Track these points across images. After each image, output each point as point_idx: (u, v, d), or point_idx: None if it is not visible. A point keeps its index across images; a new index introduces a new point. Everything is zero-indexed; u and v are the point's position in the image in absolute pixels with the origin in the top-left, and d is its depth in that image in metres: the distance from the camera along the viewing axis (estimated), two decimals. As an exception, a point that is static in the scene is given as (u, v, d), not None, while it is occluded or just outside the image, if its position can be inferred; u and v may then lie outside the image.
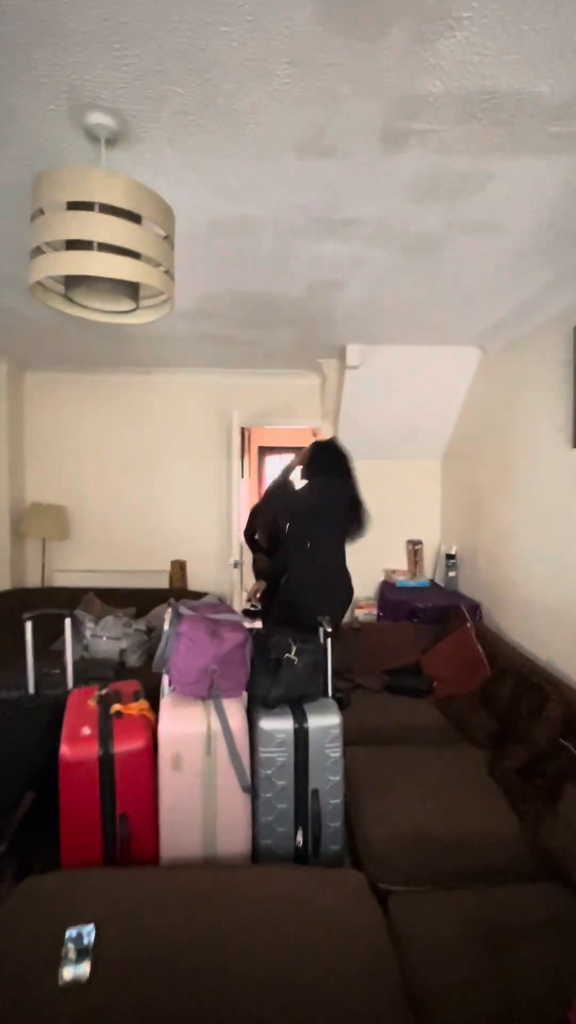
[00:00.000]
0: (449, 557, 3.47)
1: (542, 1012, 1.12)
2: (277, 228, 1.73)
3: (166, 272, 1.32)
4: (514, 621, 2.68)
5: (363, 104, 1.18)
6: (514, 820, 1.70)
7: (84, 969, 1.14)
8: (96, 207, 1.15)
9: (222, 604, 2.07)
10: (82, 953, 1.18)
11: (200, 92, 1.15)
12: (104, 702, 1.75)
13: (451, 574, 3.44)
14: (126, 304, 1.39)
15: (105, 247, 1.18)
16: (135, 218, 1.22)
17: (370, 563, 3.80)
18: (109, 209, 1.16)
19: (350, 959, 1.21)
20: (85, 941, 1.20)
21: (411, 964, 1.23)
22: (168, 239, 1.30)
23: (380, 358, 3.10)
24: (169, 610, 1.83)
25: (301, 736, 1.66)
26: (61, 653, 2.15)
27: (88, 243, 1.18)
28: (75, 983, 1.11)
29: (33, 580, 3.80)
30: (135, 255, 1.22)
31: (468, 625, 2.66)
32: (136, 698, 1.81)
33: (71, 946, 1.19)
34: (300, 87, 1.14)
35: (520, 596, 2.63)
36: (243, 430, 4.96)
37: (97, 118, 1.22)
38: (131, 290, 1.35)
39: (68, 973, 1.13)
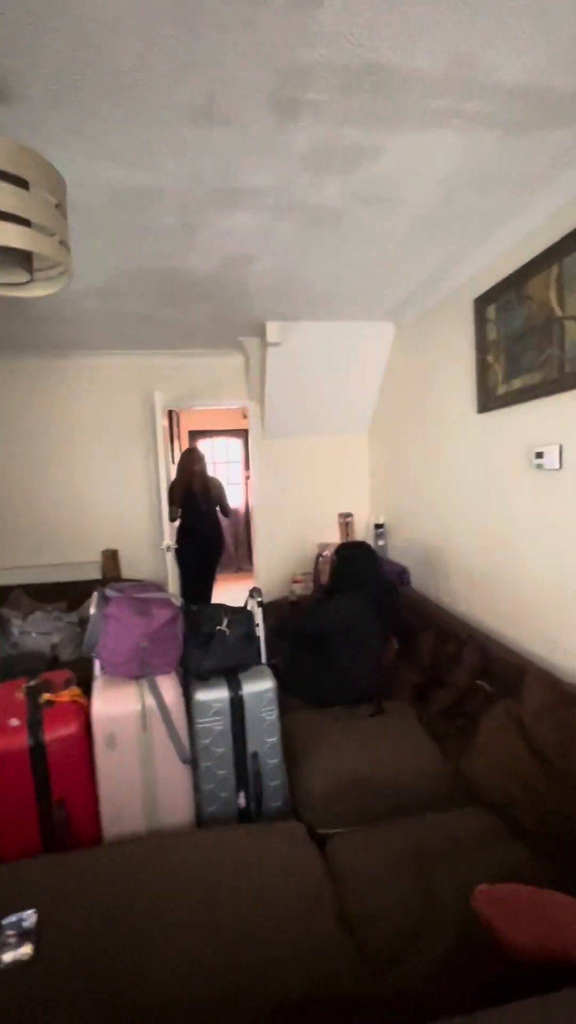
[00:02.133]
0: (378, 527, 3.62)
1: (462, 917, 1.24)
2: (179, 200, 1.71)
3: (61, 242, 1.27)
4: (438, 581, 2.86)
5: (251, 72, 1.19)
6: (440, 757, 1.84)
7: (26, 950, 1.14)
8: (-25, 170, 1.09)
9: (151, 585, 2.06)
10: (23, 936, 1.17)
11: (78, 48, 1.11)
12: (33, 693, 1.71)
13: (380, 543, 3.59)
14: (19, 275, 1.32)
15: (-11, 213, 1.12)
16: (21, 184, 1.17)
17: (304, 537, 3.90)
18: (-9, 173, 1.10)
19: (291, 900, 1.29)
20: (25, 925, 1.20)
21: (347, 895, 1.32)
22: (60, 207, 1.25)
23: (300, 335, 3.14)
24: (95, 594, 1.81)
25: (237, 704, 1.71)
26: (-15, 651, 2.07)
27: (-30, 209, 1.11)
28: (16, 964, 1.11)
29: (-47, 582, 3.57)
30: (25, 222, 1.17)
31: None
32: (67, 686, 1.78)
33: (10, 932, 1.18)
34: (186, 50, 1.12)
35: (441, 557, 2.80)
36: (171, 413, 4.87)
37: (-31, 73, 1.15)
38: (24, 260, 1.29)
39: (8, 956, 1.12)
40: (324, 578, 2.48)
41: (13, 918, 1.21)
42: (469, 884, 1.33)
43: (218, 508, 4.11)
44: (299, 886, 1.33)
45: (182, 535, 3.88)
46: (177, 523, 3.89)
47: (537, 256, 1.85)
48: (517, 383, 2.02)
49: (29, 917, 1.21)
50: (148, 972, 1.11)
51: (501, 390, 2.13)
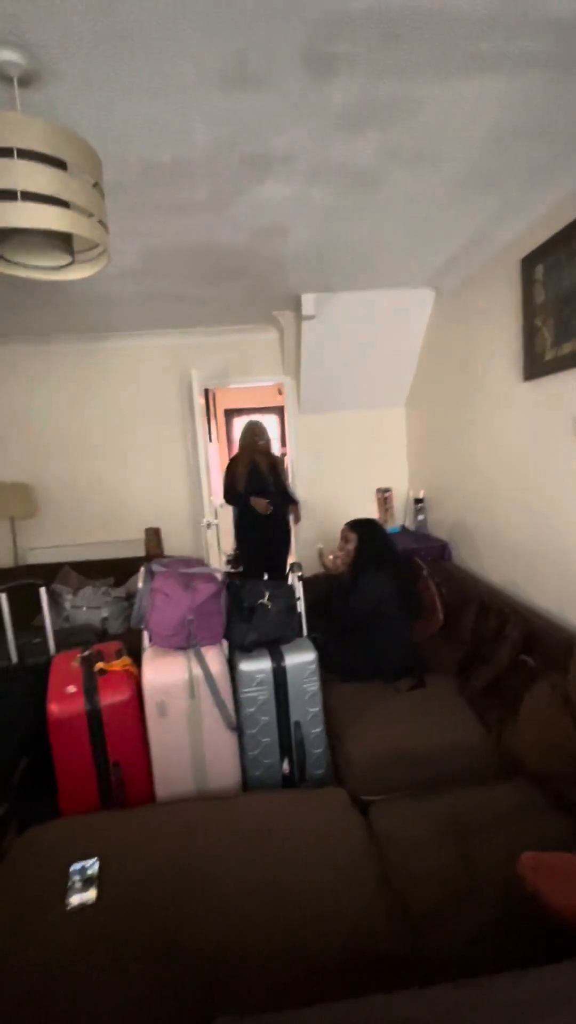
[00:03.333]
0: (417, 501, 3.57)
1: (504, 884, 1.26)
2: (211, 171, 1.68)
3: (100, 222, 1.28)
4: (480, 555, 2.80)
5: (283, 25, 1.14)
6: (481, 730, 1.84)
7: (91, 894, 1.24)
8: (15, 153, 1.11)
9: (195, 560, 2.11)
10: (87, 882, 1.27)
11: (106, 18, 1.09)
12: (87, 662, 1.81)
13: (420, 518, 3.54)
14: (60, 258, 1.35)
15: (30, 196, 1.14)
16: (60, 165, 1.18)
17: (343, 515, 3.87)
18: (30, 155, 1.12)
19: (335, 860, 1.33)
20: (89, 871, 1.29)
21: (390, 859, 1.36)
22: (97, 186, 1.26)
23: (336, 306, 3.07)
24: (142, 570, 1.87)
25: (279, 674, 1.75)
26: (42, 626, 2.19)
27: (11, 193, 1.13)
28: (82, 907, 1.20)
29: (5, 561, 3.77)
30: (64, 204, 1.19)
31: (424, 573, 2.76)
32: (119, 656, 1.87)
33: (76, 877, 1.28)
34: (215, 9, 1.09)
35: (483, 531, 2.74)
36: (207, 392, 4.91)
37: (5, 55, 1.15)
38: (64, 243, 1.32)
39: (76, 899, 1.22)
40: (343, 559, 2.37)
41: (78, 865, 1.31)
42: (510, 853, 1.34)
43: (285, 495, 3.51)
44: (342, 849, 1.37)
45: (245, 525, 3.41)
46: (236, 509, 3.42)
47: (590, 209, 1.73)
48: (567, 347, 1.92)
49: (92, 865, 1.31)
50: (199, 921, 1.18)
51: (549, 355, 2.03)
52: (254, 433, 3.46)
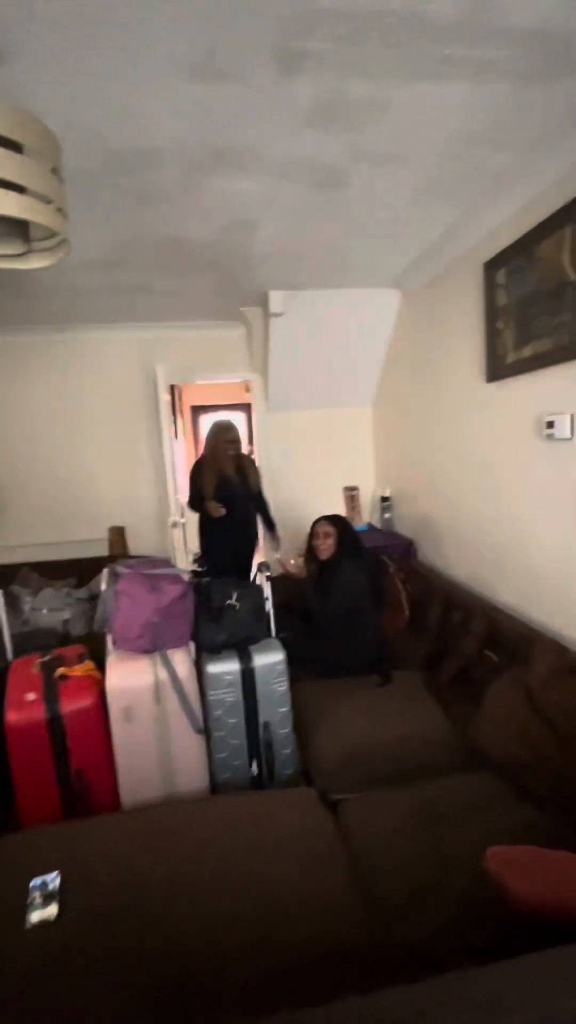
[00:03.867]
0: (384, 500, 3.61)
1: (470, 875, 1.28)
2: (179, 162, 1.64)
3: (58, 210, 1.23)
4: (445, 553, 2.86)
5: (253, 18, 1.12)
6: (447, 724, 1.87)
7: (51, 911, 1.19)
8: (-33, 134, 1.05)
9: (161, 561, 2.07)
10: (48, 897, 1.22)
11: (74, 4, 1.05)
12: (47, 668, 1.74)
13: (386, 515, 3.59)
14: (15, 246, 1.29)
15: (-17, 180, 1.08)
16: (15, 148, 1.12)
17: (310, 512, 3.88)
18: (-17, 137, 1.06)
19: (303, 860, 1.33)
20: (50, 887, 1.25)
21: (357, 855, 1.36)
22: (56, 172, 1.20)
23: (303, 304, 3.06)
24: (105, 571, 1.82)
25: (248, 676, 1.74)
26: (-2, 628, 2.10)
27: (-37, 176, 1.07)
28: (43, 923, 1.16)
29: (-39, 561, 3.60)
30: (19, 189, 1.13)
31: (391, 570, 2.80)
32: (81, 660, 1.81)
33: (36, 893, 1.23)
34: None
35: (448, 528, 2.80)
36: (173, 388, 4.82)
37: (-43, 29, 1.09)
38: (20, 230, 1.25)
39: (35, 916, 1.17)
40: (324, 552, 2.40)
41: (38, 880, 1.26)
42: (477, 844, 1.37)
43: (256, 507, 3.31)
44: (311, 848, 1.37)
45: (212, 532, 3.23)
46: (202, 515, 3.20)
47: (550, 217, 1.78)
48: (527, 351, 1.97)
49: (53, 879, 1.26)
50: (167, 929, 1.15)
51: (511, 358, 2.08)
52: (222, 432, 3.23)
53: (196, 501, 3.20)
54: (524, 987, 0.75)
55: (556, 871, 0.92)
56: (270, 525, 3.34)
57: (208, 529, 3.26)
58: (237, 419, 6.64)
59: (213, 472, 3.15)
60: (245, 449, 3.65)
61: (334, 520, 2.46)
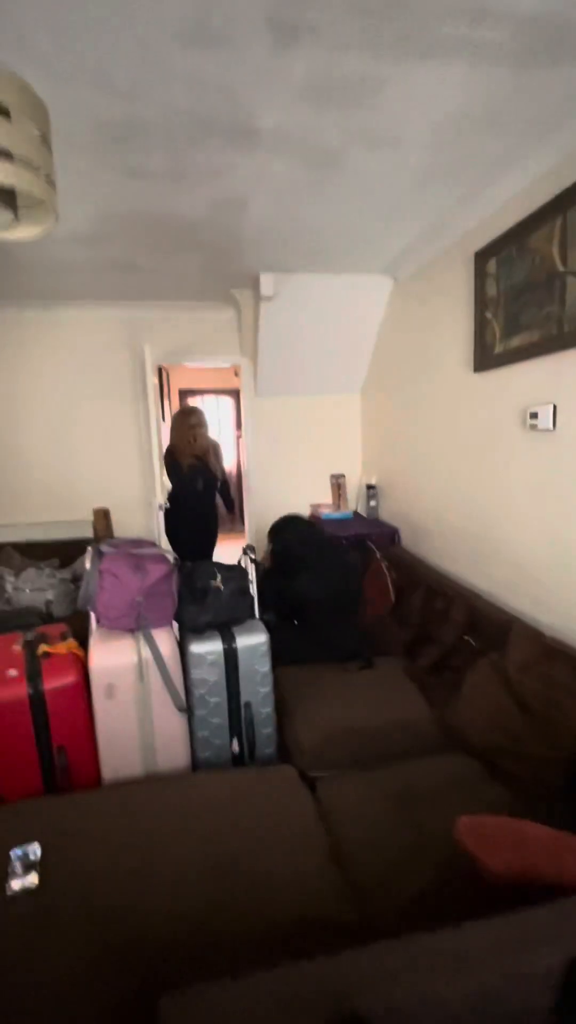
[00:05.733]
0: (369, 488, 3.63)
1: (444, 848, 1.32)
2: (168, 133, 1.61)
3: (46, 177, 1.20)
4: (428, 541, 2.89)
5: (247, -13, 1.10)
6: (426, 708, 1.91)
7: (32, 879, 1.20)
8: (-50, 94, 1.02)
9: (146, 541, 2.06)
10: (29, 867, 1.23)
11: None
12: (30, 645, 1.74)
13: (372, 503, 3.61)
14: (2, 217, 1.26)
15: (-33, 144, 1.05)
16: (2, 112, 1.09)
17: (297, 498, 3.90)
18: (-33, 98, 1.03)
19: (283, 836, 1.36)
20: (31, 856, 1.26)
21: (337, 830, 1.40)
22: (44, 138, 1.18)
23: (294, 288, 3.04)
24: (89, 549, 1.81)
25: (231, 656, 1.75)
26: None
27: (-54, 138, 1.04)
28: (24, 892, 1.17)
29: None
30: (6, 156, 1.10)
31: (378, 557, 2.83)
32: (64, 639, 1.81)
33: (17, 863, 1.24)
34: (176, -40, 1.03)
35: (432, 518, 2.83)
36: (161, 370, 4.76)
37: None
38: (6, 199, 1.22)
39: (16, 884, 1.19)
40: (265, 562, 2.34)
41: (19, 851, 1.27)
42: (450, 820, 1.41)
43: (218, 493, 3.52)
44: (291, 824, 1.40)
45: (172, 514, 3.41)
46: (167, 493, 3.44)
47: (541, 207, 1.79)
48: (515, 341, 1.99)
49: (34, 849, 1.27)
50: (146, 901, 1.18)
51: (499, 348, 2.10)
52: (185, 417, 3.43)
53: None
54: (488, 947, 0.78)
55: (523, 839, 0.96)
56: (229, 506, 3.64)
57: (169, 515, 3.43)
58: (226, 404, 6.61)
59: (180, 472, 3.37)
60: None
61: (271, 531, 2.39)
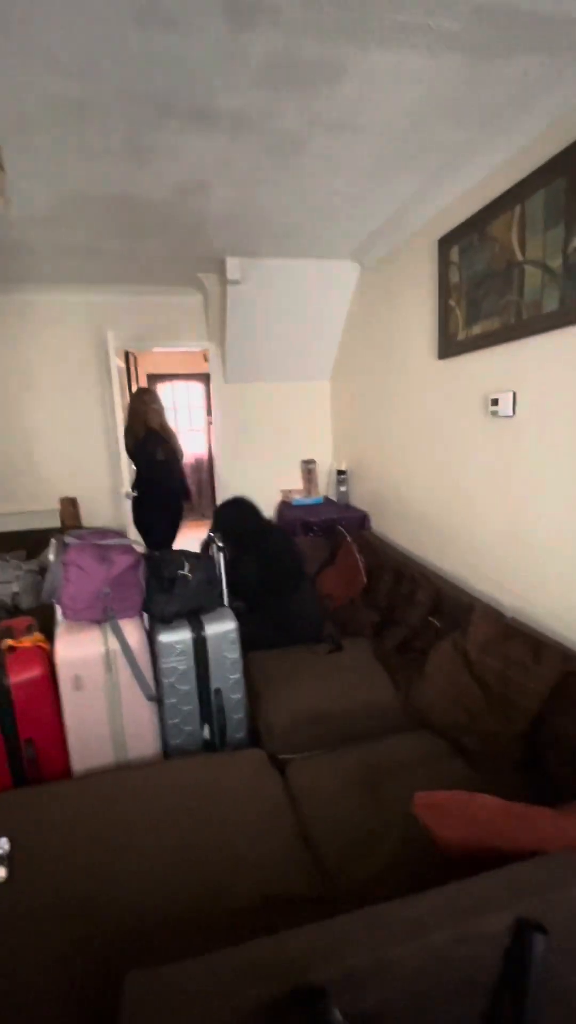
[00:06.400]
0: (340, 473, 3.66)
1: (405, 823, 1.38)
2: (126, 115, 1.56)
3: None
4: (396, 525, 2.95)
5: (200, -36, 1.07)
6: (392, 689, 1.97)
7: (0, 873, 1.21)
8: None
9: (112, 532, 2.05)
10: (-3, 861, 1.24)
11: None
12: (-6, 640, 1.71)
13: (342, 489, 3.65)
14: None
15: None
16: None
17: (267, 484, 3.91)
18: None
19: (252, 818, 1.40)
20: (0, 851, 1.26)
21: (304, 812, 1.44)
22: (-10, 117, 1.13)
23: (262, 273, 3.01)
24: (53, 541, 1.79)
25: (200, 644, 1.77)
26: None
27: None
28: (-8, 885, 1.18)
29: None
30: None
31: (348, 540, 2.87)
32: (30, 632, 1.79)
33: (-15, 857, 1.24)
34: None
35: (399, 501, 2.88)
36: (128, 355, 4.66)
37: None
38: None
39: (-16, 878, 1.19)
40: None
41: (-13, 846, 1.27)
42: (412, 796, 1.49)
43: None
44: (260, 806, 1.44)
45: (140, 490, 3.54)
46: (133, 473, 3.57)
47: (501, 196, 1.81)
48: (477, 329, 2.03)
49: (2, 844, 1.28)
50: (117, 891, 1.20)
51: (461, 336, 2.13)
52: (141, 395, 3.59)
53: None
54: (443, 912, 0.83)
55: (474, 811, 1.01)
56: (185, 490, 3.78)
57: (137, 494, 3.53)
58: (196, 390, 6.53)
59: (131, 436, 3.50)
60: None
61: (214, 513, 2.44)
